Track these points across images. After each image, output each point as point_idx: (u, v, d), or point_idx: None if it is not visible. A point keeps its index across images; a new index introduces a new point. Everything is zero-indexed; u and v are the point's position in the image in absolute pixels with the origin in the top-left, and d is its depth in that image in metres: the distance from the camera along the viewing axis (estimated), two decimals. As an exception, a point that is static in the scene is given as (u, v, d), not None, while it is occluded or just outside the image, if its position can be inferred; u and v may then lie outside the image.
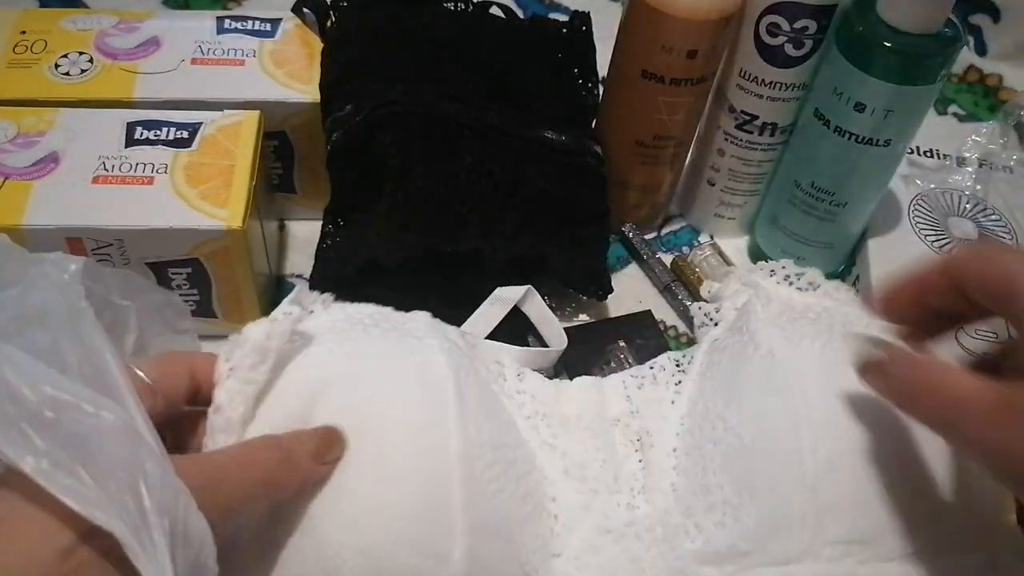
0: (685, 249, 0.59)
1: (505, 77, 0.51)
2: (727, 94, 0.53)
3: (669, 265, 0.57)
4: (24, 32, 0.51)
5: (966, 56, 0.75)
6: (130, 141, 0.45)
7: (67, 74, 0.49)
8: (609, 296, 0.53)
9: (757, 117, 0.53)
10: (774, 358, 0.37)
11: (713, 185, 0.58)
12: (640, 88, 0.50)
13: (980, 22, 0.74)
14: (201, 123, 0.46)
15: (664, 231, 0.61)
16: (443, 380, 0.34)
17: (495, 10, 0.55)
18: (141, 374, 0.30)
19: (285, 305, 0.36)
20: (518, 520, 0.35)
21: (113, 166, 0.44)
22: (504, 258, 0.49)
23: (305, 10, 0.54)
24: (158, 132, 0.46)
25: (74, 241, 0.42)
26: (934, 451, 0.34)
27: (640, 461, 0.40)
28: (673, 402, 0.42)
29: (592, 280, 0.52)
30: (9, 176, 0.43)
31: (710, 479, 0.37)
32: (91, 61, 0.50)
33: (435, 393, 0.34)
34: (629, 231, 0.58)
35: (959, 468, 0.35)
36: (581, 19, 0.54)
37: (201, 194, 0.43)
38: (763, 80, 0.51)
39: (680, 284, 0.56)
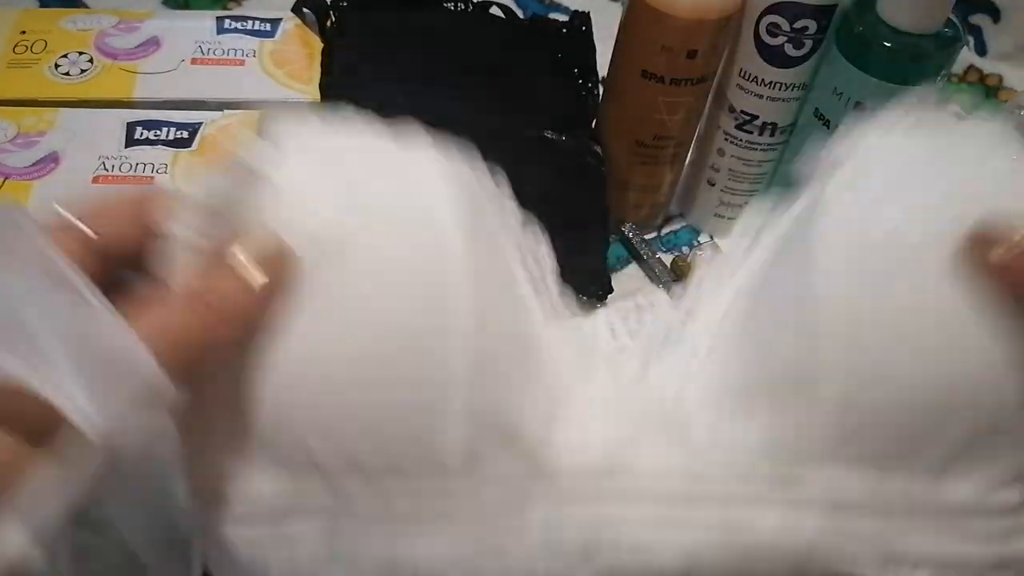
0: (685, 249, 0.59)
1: (505, 77, 0.51)
2: (727, 94, 0.53)
3: (669, 265, 0.57)
4: (24, 32, 0.51)
5: (966, 56, 0.75)
6: (130, 141, 0.45)
7: (67, 74, 0.49)
8: (609, 296, 0.53)
9: (757, 117, 0.53)
10: (813, 259, 0.32)
11: (713, 185, 0.58)
12: (640, 88, 0.50)
13: (980, 22, 0.74)
14: (201, 123, 0.46)
15: (664, 231, 0.61)
16: (454, 252, 0.29)
17: (495, 10, 0.55)
18: (74, 220, 0.25)
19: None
20: (522, 411, 0.33)
21: (113, 166, 0.44)
22: (504, 258, 0.49)
23: (305, 10, 0.54)
24: (158, 132, 0.46)
25: (74, 241, 0.42)
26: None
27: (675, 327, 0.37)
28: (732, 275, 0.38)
29: (592, 280, 0.52)
30: (9, 176, 0.43)
31: (729, 375, 0.34)
32: (91, 61, 0.50)
33: (443, 286, 0.29)
34: (629, 231, 0.58)
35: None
36: (581, 19, 0.54)
37: (201, 194, 0.43)
38: (763, 80, 0.51)
39: (680, 284, 0.56)
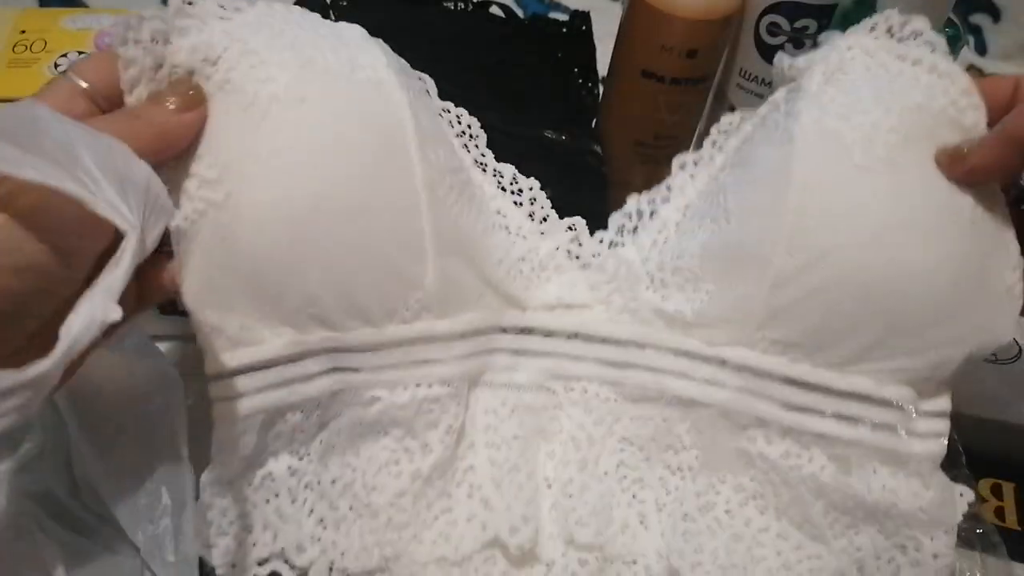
0: (685, 249, 0.59)
1: (505, 77, 0.51)
2: (727, 94, 0.53)
3: (669, 265, 0.57)
4: (24, 32, 0.51)
5: (966, 56, 0.75)
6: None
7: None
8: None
9: (757, 117, 0.53)
10: (792, 143, 0.35)
11: (713, 185, 0.58)
12: (640, 88, 0.50)
13: (980, 22, 0.74)
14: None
15: (664, 231, 0.61)
16: (400, 105, 0.34)
17: (495, 10, 0.55)
18: (73, 77, 0.31)
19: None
20: (478, 235, 0.37)
21: (113, 166, 0.44)
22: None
23: (305, 9, 0.54)
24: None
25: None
26: (914, 291, 0.35)
27: (651, 207, 0.42)
28: (710, 160, 0.42)
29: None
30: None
31: (690, 245, 0.38)
32: (91, 61, 0.50)
33: (393, 119, 0.33)
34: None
35: (934, 319, 0.35)
36: (581, 19, 0.54)
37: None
38: (763, 80, 0.51)
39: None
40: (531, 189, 0.41)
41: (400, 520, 0.37)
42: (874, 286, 0.34)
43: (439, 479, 0.37)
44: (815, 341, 0.36)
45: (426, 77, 0.39)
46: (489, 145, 0.48)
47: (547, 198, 0.41)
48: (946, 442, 0.37)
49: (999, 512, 0.45)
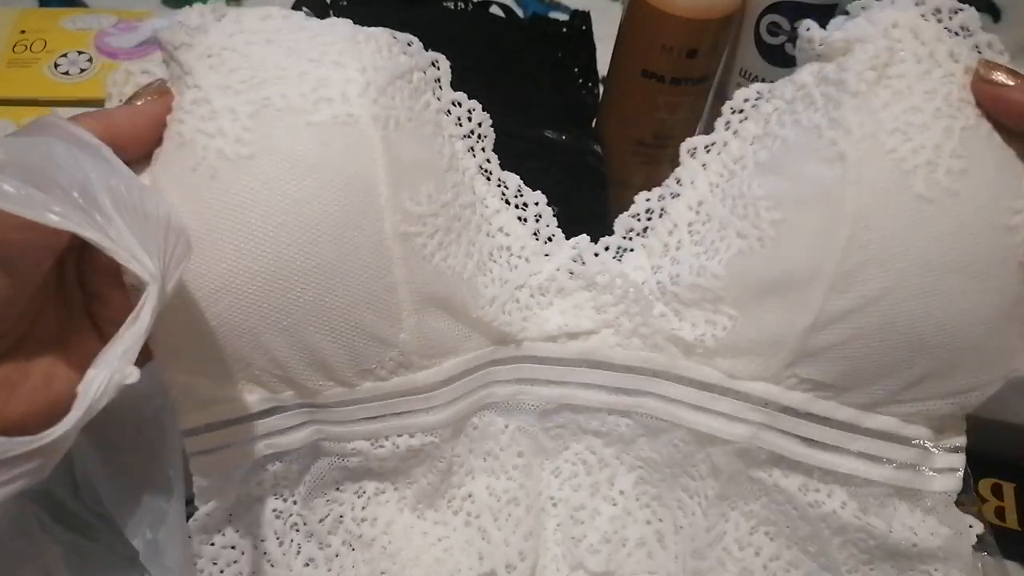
0: (685, 249, 0.59)
1: (505, 77, 0.51)
2: (727, 93, 0.53)
3: (669, 265, 0.57)
4: (24, 31, 0.51)
5: (966, 56, 0.74)
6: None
7: (67, 73, 0.49)
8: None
9: (757, 117, 0.52)
10: (843, 162, 0.31)
11: (713, 185, 0.58)
12: (640, 87, 0.50)
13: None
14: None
15: (664, 231, 0.61)
16: (369, 146, 0.30)
17: (495, 10, 0.55)
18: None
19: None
20: (466, 276, 0.34)
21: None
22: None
23: (305, 10, 0.54)
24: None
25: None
26: (957, 341, 0.32)
27: (661, 204, 0.37)
28: (724, 147, 0.37)
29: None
30: (9, 176, 0.43)
31: (710, 262, 0.34)
32: (90, 60, 0.50)
33: (359, 165, 0.29)
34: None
35: (971, 369, 0.33)
36: (581, 19, 0.54)
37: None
38: (763, 79, 0.51)
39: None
40: (537, 204, 0.38)
41: (394, 547, 0.36)
42: (926, 333, 0.31)
43: (429, 508, 0.37)
44: (847, 383, 0.33)
45: (441, 60, 0.35)
46: (489, 145, 0.48)
47: (553, 215, 0.38)
48: (961, 476, 0.36)
49: (999, 512, 0.45)
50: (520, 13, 0.58)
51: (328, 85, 0.30)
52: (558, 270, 0.37)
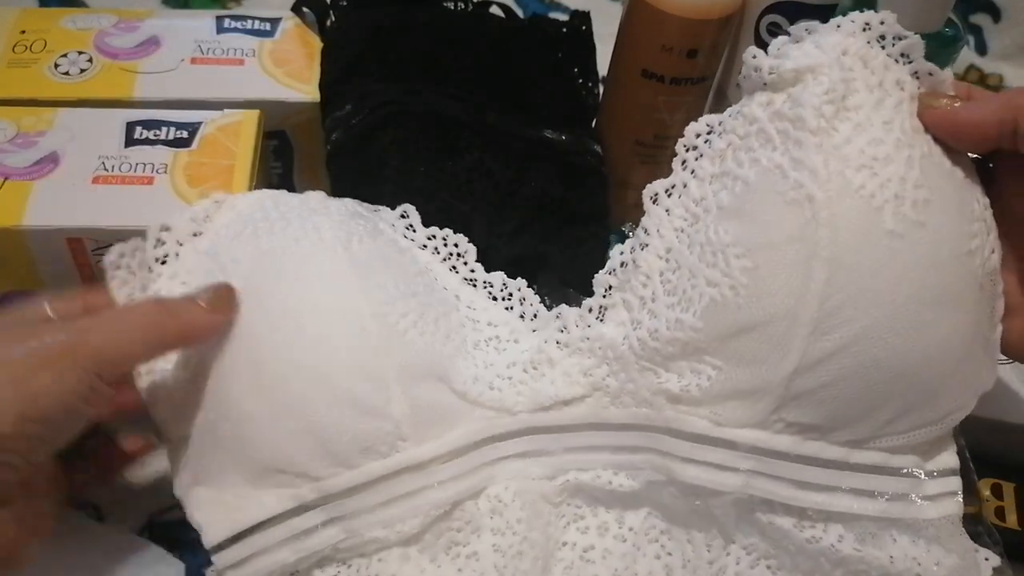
0: (685, 249, 0.59)
1: (505, 77, 0.51)
2: (727, 93, 0.53)
3: (669, 265, 0.57)
4: (24, 31, 0.51)
5: (966, 56, 0.75)
6: (130, 141, 0.45)
7: (67, 73, 0.49)
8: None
9: (757, 117, 0.52)
10: (812, 204, 0.31)
11: (713, 185, 0.57)
12: (640, 88, 0.50)
13: (980, 22, 0.74)
14: (201, 122, 0.46)
15: (664, 231, 0.61)
16: (334, 253, 0.35)
17: (495, 10, 0.55)
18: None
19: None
20: (447, 356, 0.36)
21: (113, 166, 0.44)
22: (504, 257, 0.49)
23: (305, 10, 0.54)
24: (158, 132, 0.46)
25: (74, 241, 0.42)
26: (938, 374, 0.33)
27: (632, 256, 0.38)
28: (684, 189, 0.37)
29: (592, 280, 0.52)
30: (9, 176, 0.43)
31: (685, 315, 0.34)
32: (91, 60, 0.50)
33: (331, 265, 0.35)
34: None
35: (950, 399, 0.34)
36: (581, 19, 0.54)
37: (201, 194, 0.43)
38: (763, 80, 0.51)
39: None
40: (520, 290, 0.41)
41: None
42: (908, 367, 0.32)
43: (431, 563, 0.37)
44: (834, 423, 0.33)
45: (410, 211, 0.42)
46: (489, 145, 0.48)
47: (535, 292, 0.41)
48: (961, 501, 0.36)
49: (999, 512, 0.45)
50: (520, 13, 0.58)
51: (303, 227, 0.36)
52: (546, 343, 0.38)
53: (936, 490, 0.35)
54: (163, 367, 0.36)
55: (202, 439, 0.35)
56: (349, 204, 0.40)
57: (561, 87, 0.53)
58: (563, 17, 0.56)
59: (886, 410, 0.33)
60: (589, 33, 0.54)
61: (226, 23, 0.54)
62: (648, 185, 0.37)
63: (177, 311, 0.33)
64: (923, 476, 0.35)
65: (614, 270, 0.38)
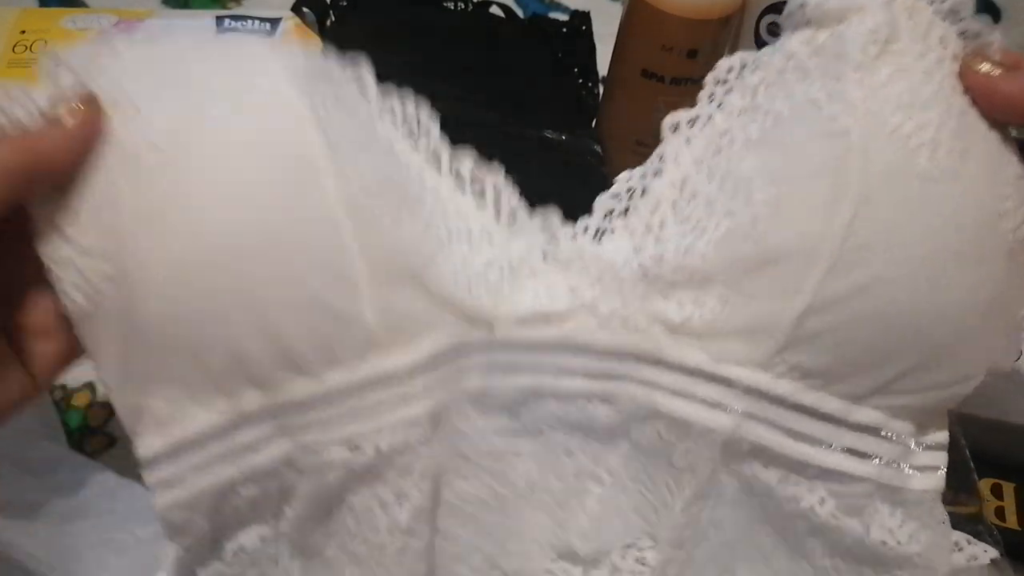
0: (685, 249, 0.59)
1: (505, 77, 0.51)
2: (727, 94, 0.53)
3: (669, 265, 0.57)
4: (24, 32, 0.51)
5: (966, 56, 0.75)
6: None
7: (67, 74, 0.49)
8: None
9: (757, 117, 0.52)
10: (847, 137, 0.30)
11: (713, 185, 0.57)
12: (640, 88, 0.50)
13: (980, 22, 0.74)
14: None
15: (664, 231, 0.61)
16: (300, 119, 0.29)
17: (495, 10, 0.55)
18: None
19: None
20: (426, 251, 0.32)
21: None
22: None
23: (305, 10, 0.54)
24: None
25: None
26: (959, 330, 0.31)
27: (642, 183, 0.35)
28: (708, 121, 0.35)
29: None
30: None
31: (698, 242, 0.32)
32: (91, 61, 0.50)
33: (294, 138, 0.29)
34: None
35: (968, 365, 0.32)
36: (581, 19, 0.54)
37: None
38: (763, 80, 0.51)
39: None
40: (495, 185, 0.35)
41: (381, 573, 0.35)
42: (923, 320, 0.30)
43: (419, 532, 0.34)
44: (839, 372, 0.32)
45: (362, 67, 0.34)
46: (489, 145, 0.48)
47: (515, 192, 0.35)
48: (944, 475, 0.35)
49: (999, 512, 0.45)
50: (520, 13, 0.58)
51: (251, 74, 0.30)
52: (529, 250, 0.34)
53: (925, 462, 0.34)
54: (79, 258, 0.29)
55: (125, 333, 0.29)
56: (298, 51, 0.32)
57: (561, 87, 0.53)
58: (563, 17, 0.56)
59: (894, 364, 0.31)
60: (589, 33, 0.54)
61: (226, 23, 0.54)
62: (670, 114, 0.35)
63: (36, 141, 0.27)
64: (916, 447, 0.34)
65: (618, 195, 0.35)
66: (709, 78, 0.35)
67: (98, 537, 0.31)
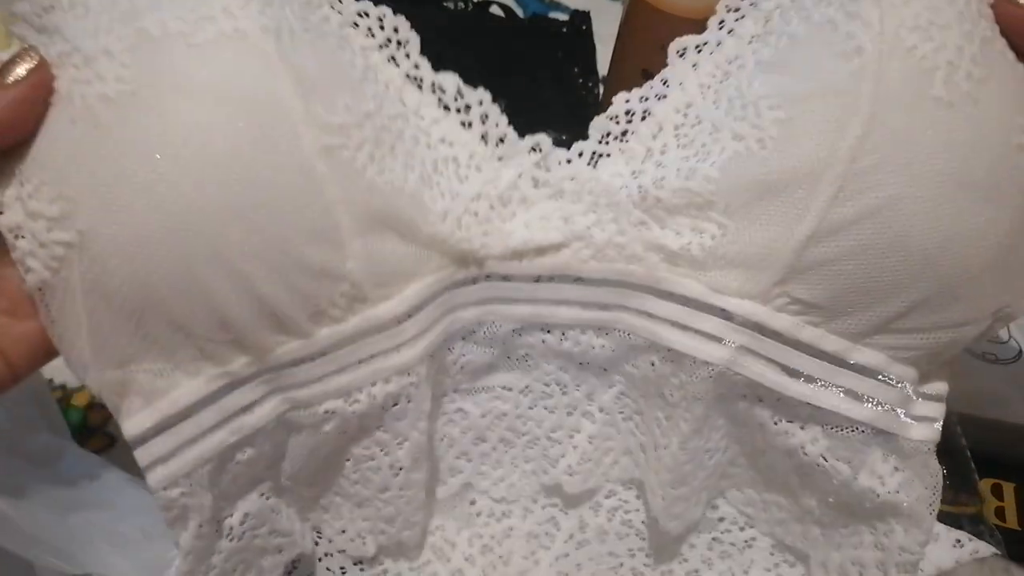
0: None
1: (505, 77, 0.51)
2: (727, 94, 0.53)
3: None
4: (23, 31, 0.51)
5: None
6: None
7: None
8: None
9: (757, 117, 0.52)
10: (861, 56, 0.29)
11: (713, 185, 0.57)
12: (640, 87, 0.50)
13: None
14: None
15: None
16: (266, 58, 0.26)
17: (495, 10, 0.55)
18: None
19: None
20: (409, 191, 0.30)
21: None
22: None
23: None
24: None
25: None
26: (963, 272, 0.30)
27: (644, 106, 0.34)
28: (717, 47, 0.34)
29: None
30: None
31: (701, 165, 0.31)
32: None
33: (258, 81, 0.26)
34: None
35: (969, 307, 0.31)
36: (581, 18, 0.54)
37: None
38: (763, 80, 0.51)
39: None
40: (481, 104, 0.33)
41: (388, 512, 0.35)
42: (929, 250, 0.29)
43: (419, 466, 0.34)
44: (840, 306, 0.31)
45: None
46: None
47: (501, 111, 0.33)
48: (940, 428, 0.33)
49: (999, 512, 0.45)
50: (520, 13, 0.58)
51: (207, 4, 0.26)
52: (520, 177, 0.33)
53: (923, 412, 0.33)
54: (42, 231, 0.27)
55: (94, 305, 0.27)
56: None
57: (561, 87, 0.53)
58: (563, 17, 0.56)
59: (896, 300, 0.30)
60: (589, 33, 0.54)
61: (226, 23, 0.54)
62: (677, 39, 0.34)
63: None
64: (913, 394, 0.33)
65: (616, 116, 0.34)
66: (720, 5, 0.34)
67: (103, 529, 0.31)
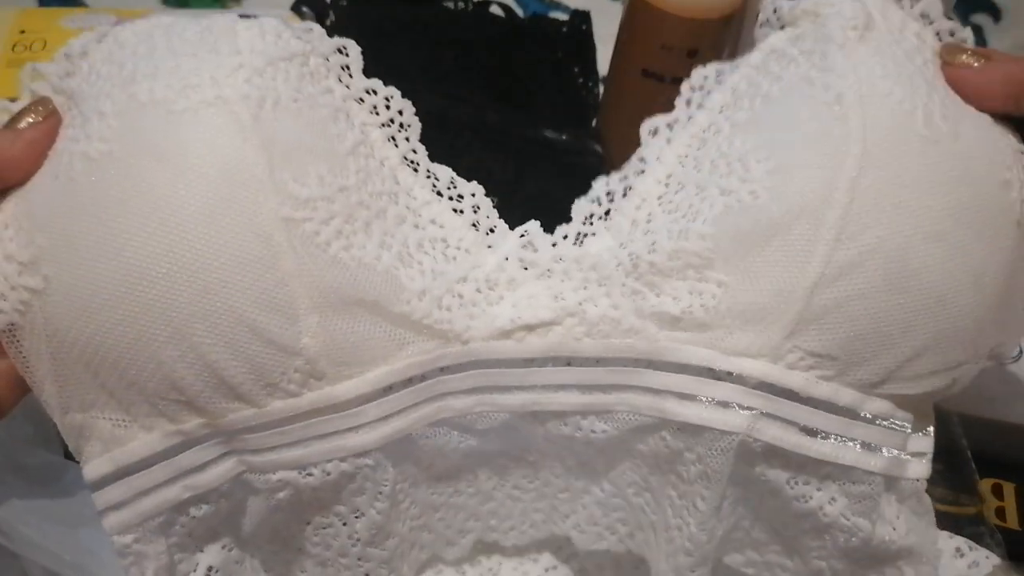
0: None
1: (505, 77, 0.51)
2: (727, 94, 0.53)
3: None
4: (23, 31, 0.51)
5: (966, 56, 0.74)
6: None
7: (66, 73, 0.49)
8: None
9: (757, 117, 0.52)
10: (842, 105, 0.29)
11: (713, 185, 0.57)
12: (640, 87, 0.50)
13: (980, 22, 0.74)
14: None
15: (664, 231, 0.61)
16: (237, 127, 0.27)
17: (495, 9, 0.55)
18: None
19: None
20: (381, 271, 0.29)
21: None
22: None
23: (305, 9, 0.54)
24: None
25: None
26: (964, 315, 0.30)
27: (623, 184, 0.34)
28: (689, 121, 0.34)
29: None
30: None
31: (692, 224, 0.30)
32: (90, 60, 0.50)
33: (226, 149, 0.27)
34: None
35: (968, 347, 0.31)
36: (581, 18, 0.54)
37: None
38: (763, 80, 0.51)
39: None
40: (474, 195, 0.33)
41: (346, 574, 0.34)
42: (933, 286, 0.29)
43: (378, 542, 0.33)
44: (852, 354, 0.30)
45: (350, 46, 0.32)
46: (489, 145, 0.48)
47: (494, 208, 0.34)
48: (929, 462, 0.33)
49: (999, 512, 0.45)
50: (520, 13, 0.58)
51: (198, 73, 0.28)
52: (507, 259, 0.32)
53: (918, 448, 0.33)
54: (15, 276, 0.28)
55: (55, 349, 0.28)
56: (271, 29, 0.30)
57: (561, 87, 0.53)
58: (563, 17, 0.56)
59: (907, 342, 0.30)
60: (589, 33, 0.54)
61: (226, 23, 0.54)
62: (647, 119, 0.34)
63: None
64: (910, 433, 0.32)
65: (598, 198, 0.34)
66: (684, 86, 0.34)
67: (110, 542, 0.31)
